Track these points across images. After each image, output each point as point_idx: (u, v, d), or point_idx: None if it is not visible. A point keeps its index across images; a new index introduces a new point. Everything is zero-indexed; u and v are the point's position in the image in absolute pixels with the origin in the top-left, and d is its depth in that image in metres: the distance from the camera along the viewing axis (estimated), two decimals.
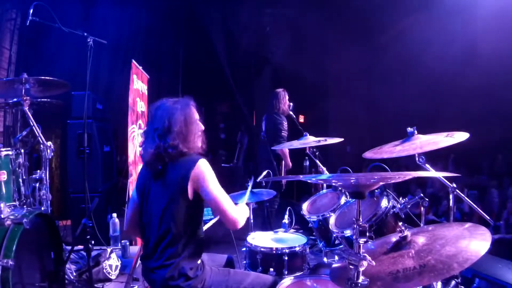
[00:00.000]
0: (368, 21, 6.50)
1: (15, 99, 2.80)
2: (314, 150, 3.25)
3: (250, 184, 2.76)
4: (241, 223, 1.92)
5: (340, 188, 2.63)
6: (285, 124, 4.67)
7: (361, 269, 1.19)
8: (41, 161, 2.78)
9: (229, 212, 1.87)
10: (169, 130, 1.87)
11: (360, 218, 1.26)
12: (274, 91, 4.85)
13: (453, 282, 1.76)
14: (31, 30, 4.29)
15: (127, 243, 3.62)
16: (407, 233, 1.38)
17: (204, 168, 1.86)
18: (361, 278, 1.20)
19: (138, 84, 4.41)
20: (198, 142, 1.97)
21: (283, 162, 4.72)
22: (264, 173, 3.32)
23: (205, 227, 2.13)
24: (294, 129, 4.61)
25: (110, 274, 3.02)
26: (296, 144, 3.13)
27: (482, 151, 5.80)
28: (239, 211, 1.93)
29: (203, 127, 2.03)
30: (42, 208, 2.70)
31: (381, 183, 1.54)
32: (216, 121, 9.30)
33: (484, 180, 5.59)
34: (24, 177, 2.66)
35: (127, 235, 3.57)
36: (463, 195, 2.00)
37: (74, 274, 2.90)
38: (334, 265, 1.66)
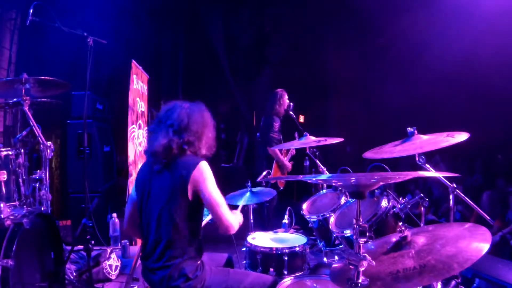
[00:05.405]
0: (368, 21, 6.51)
1: (15, 99, 2.80)
2: (314, 150, 3.25)
3: (248, 189, 2.77)
4: (234, 229, 1.95)
5: (340, 188, 2.63)
6: (276, 125, 4.54)
7: (361, 269, 1.19)
8: (41, 161, 2.78)
9: (224, 217, 1.89)
10: (187, 128, 1.93)
11: (360, 218, 1.26)
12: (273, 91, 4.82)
13: (453, 282, 1.76)
14: (31, 30, 4.29)
15: (127, 243, 3.62)
16: (407, 233, 1.38)
17: (204, 171, 1.87)
18: (361, 278, 1.20)
19: (138, 84, 4.41)
20: (209, 145, 2.04)
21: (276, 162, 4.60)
22: (264, 173, 3.33)
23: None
24: (294, 129, 4.60)
25: (110, 274, 3.02)
26: (296, 144, 3.13)
27: (482, 151, 5.81)
28: (233, 218, 1.96)
29: (215, 133, 2.11)
30: (42, 208, 2.70)
31: (381, 183, 1.54)
32: (216, 121, 9.28)
33: (479, 179, 5.59)
34: (24, 177, 2.65)
35: (127, 234, 3.58)
36: (463, 195, 2.00)
37: (74, 274, 2.90)
38: (334, 265, 1.66)
